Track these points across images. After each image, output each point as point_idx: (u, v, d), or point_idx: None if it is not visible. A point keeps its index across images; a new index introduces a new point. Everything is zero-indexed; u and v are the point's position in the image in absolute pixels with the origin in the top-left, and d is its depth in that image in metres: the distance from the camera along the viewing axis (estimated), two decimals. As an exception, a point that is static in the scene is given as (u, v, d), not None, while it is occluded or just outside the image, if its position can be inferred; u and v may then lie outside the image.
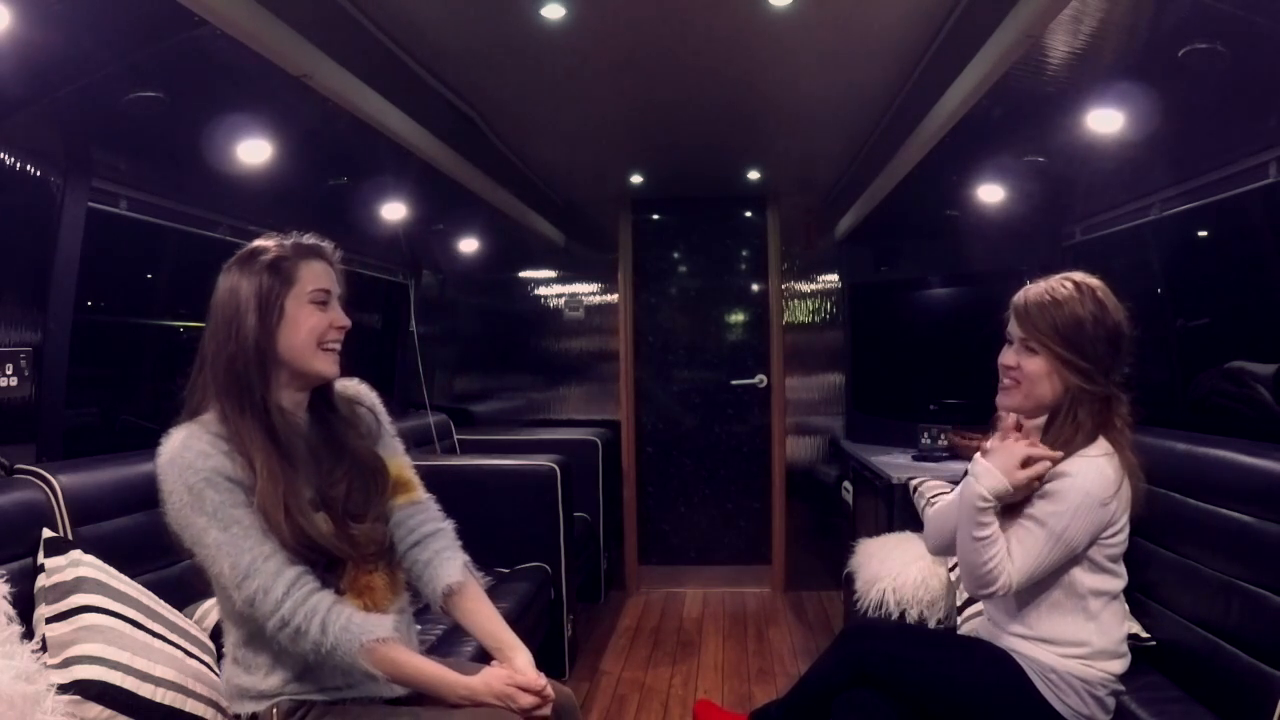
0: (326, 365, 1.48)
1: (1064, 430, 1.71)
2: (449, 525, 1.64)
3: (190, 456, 1.35)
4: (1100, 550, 1.68)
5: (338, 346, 1.50)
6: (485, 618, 1.58)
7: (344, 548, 1.43)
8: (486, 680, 1.45)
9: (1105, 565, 1.70)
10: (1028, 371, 1.74)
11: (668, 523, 4.56)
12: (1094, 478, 1.65)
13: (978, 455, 1.76)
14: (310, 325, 1.45)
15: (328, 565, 1.41)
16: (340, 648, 1.34)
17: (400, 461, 1.64)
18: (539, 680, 1.48)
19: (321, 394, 1.55)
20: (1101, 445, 1.69)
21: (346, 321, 1.50)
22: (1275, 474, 1.66)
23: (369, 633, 1.36)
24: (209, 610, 1.82)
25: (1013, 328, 1.78)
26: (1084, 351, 1.69)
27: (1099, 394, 1.70)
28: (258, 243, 1.49)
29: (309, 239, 1.51)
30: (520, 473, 3.20)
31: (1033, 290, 1.76)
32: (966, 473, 1.75)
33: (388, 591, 1.50)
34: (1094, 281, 1.75)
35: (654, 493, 4.56)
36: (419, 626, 1.72)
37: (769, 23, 2.22)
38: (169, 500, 1.37)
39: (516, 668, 1.50)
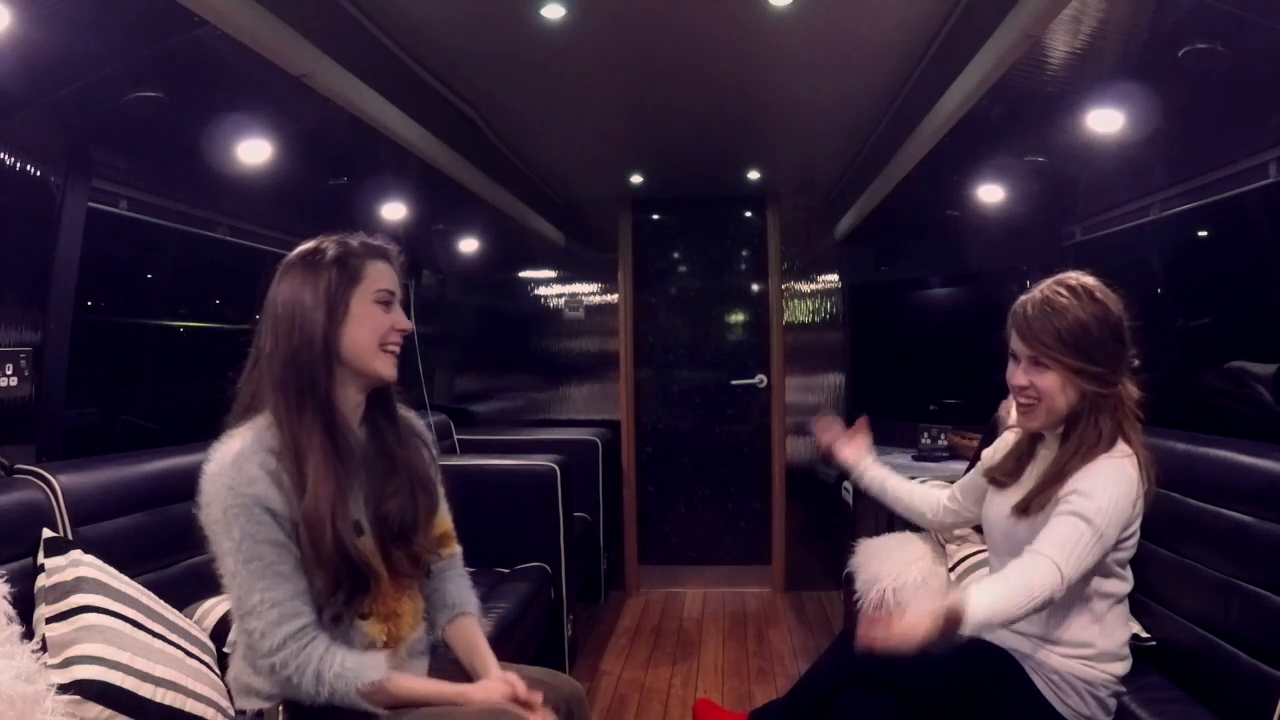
0: (386, 366, 1.47)
1: (1087, 437, 1.67)
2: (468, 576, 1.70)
3: (235, 479, 1.33)
4: (1113, 553, 1.67)
5: (397, 349, 1.49)
6: (479, 642, 1.59)
7: (380, 569, 1.42)
8: (485, 688, 1.48)
9: (1114, 569, 1.69)
10: (1042, 389, 1.69)
11: (668, 523, 4.56)
12: (1123, 480, 1.63)
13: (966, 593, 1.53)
14: (373, 325, 1.44)
15: (358, 584, 1.40)
16: (337, 694, 1.35)
17: (446, 513, 1.65)
18: (533, 697, 1.48)
19: (379, 399, 1.53)
20: (1121, 448, 1.67)
21: (408, 324, 1.49)
22: (1275, 474, 1.65)
23: (363, 677, 1.36)
24: (209, 610, 1.82)
25: (1017, 344, 1.73)
26: (1094, 357, 1.66)
27: (1116, 395, 1.68)
28: (319, 241, 1.47)
29: (376, 240, 1.51)
30: (520, 473, 3.20)
31: (1030, 302, 1.71)
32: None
33: (411, 618, 1.50)
34: (1088, 280, 1.71)
35: (654, 493, 4.56)
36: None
37: (769, 23, 2.22)
38: (204, 507, 1.37)
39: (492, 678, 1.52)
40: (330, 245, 1.46)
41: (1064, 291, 1.69)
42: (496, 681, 1.49)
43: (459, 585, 1.64)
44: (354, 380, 1.47)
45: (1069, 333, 1.65)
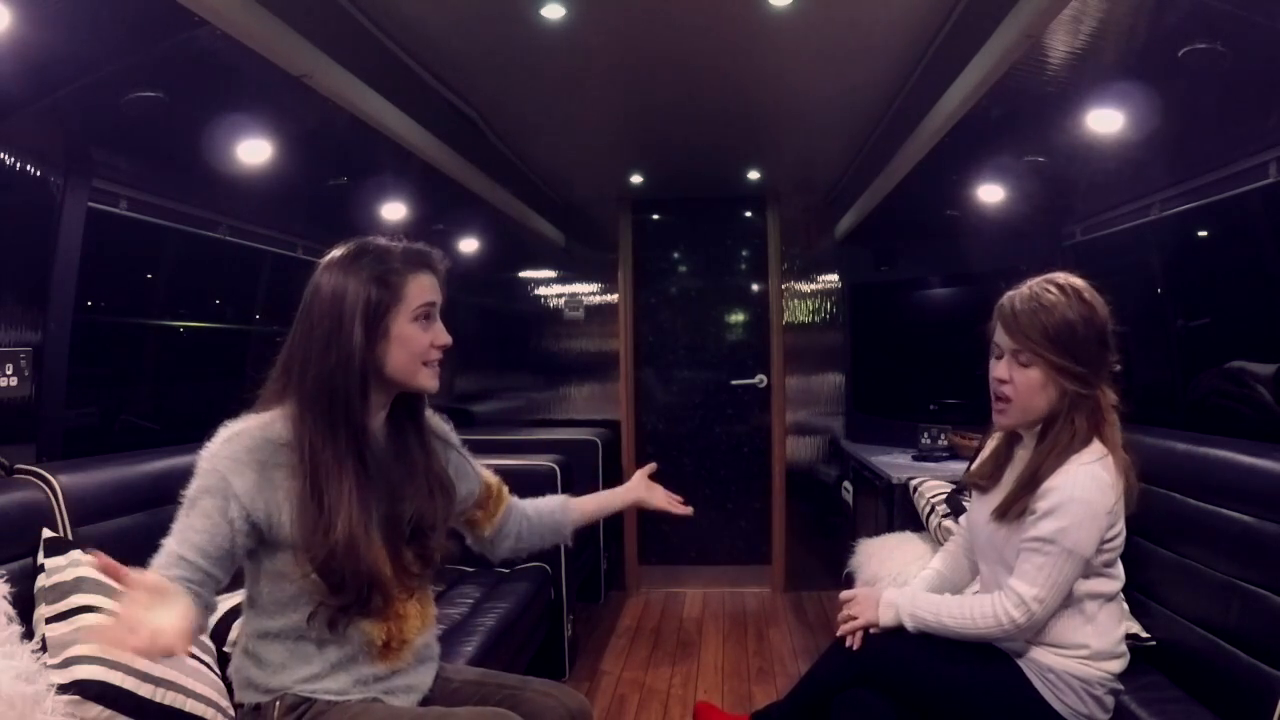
0: (429, 380, 1.43)
1: (1061, 437, 1.68)
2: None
3: (222, 450, 1.31)
4: (1097, 556, 1.67)
5: (438, 363, 1.45)
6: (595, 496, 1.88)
7: (386, 577, 1.39)
8: None
9: (1100, 570, 1.69)
10: (1021, 384, 1.69)
11: (668, 523, 4.52)
12: (1092, 487, 1.63)
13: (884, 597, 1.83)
14: (412, 347, 1.40)
15: (361, 599, 1.36)
16: None
17: (487, 473, 1.71)
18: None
19: (407, 401, 1.49)
20: (1095, 449, 1.67)
21: (447, 339, 1.44)
22: (1275, 474, 1.66)
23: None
24: (209, 610, 1.82)
25: (1001, 338, 1.73)
26: (1078, 356, 1.66)
27: (1093, 396, 1.69)
28: (359, 245, 1.41)
29: (420, 246, 1.45)
30: (520, 473, 3.15)
31: (1018, 298, 1.71)
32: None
33: (418, 621, 1.48)
34: (1077, 281, 1.71)
35: (654, 493, 4.55)
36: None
37: (769, 23, 2.22)
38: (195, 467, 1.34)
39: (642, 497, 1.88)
40: (369, 258, 1.38)
41: (1053, 289, 1.69)
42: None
43: (537, 499, 1.78)
44: (388, 390, 1.44)
45: (1055, 330, 1.66)
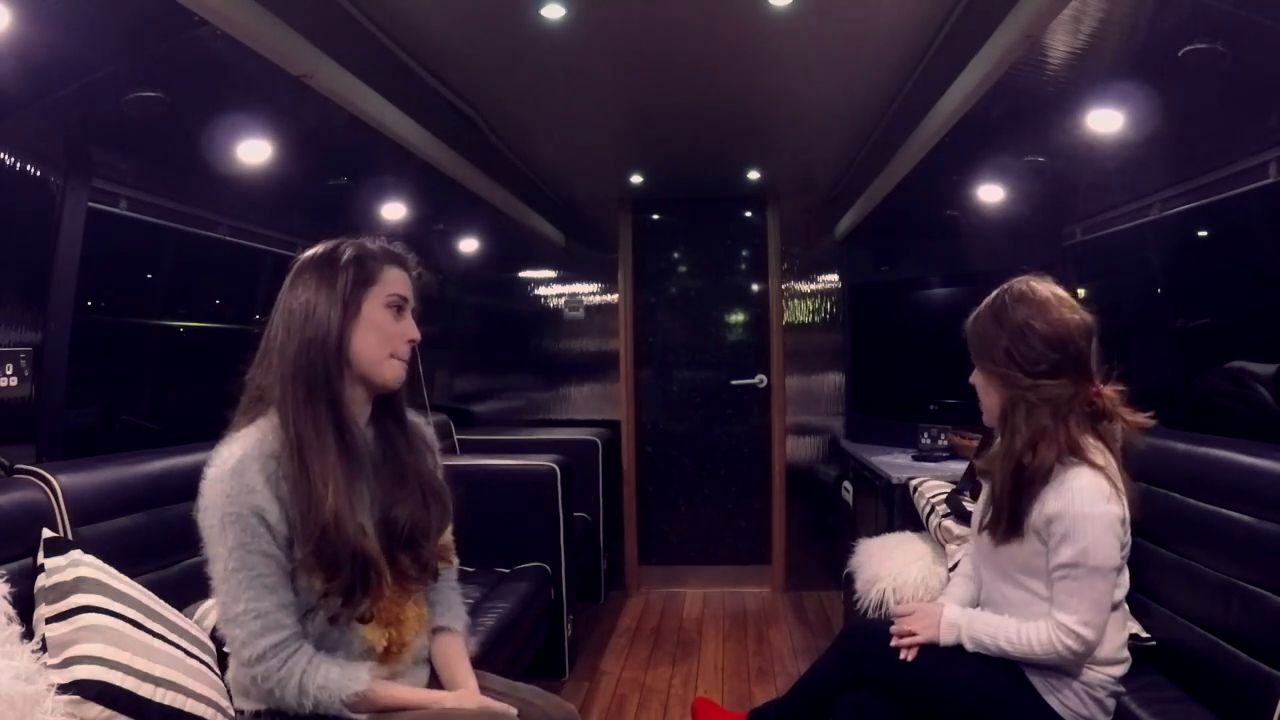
0: (393, 374, 1.48)
1: (1005, 438, 1.76)
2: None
3: (234, 487, 1.33)
4: None
5: (406, 357, 1.50)
6: (459, 659, 1.57)
7: (383, 568, 1.41)
8: (459, 696, 1.48)
9: None
10: (977, 387, 1.85)
11: (668, 523, 4.56)
12: (1096, 497, 1.64)
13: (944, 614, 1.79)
14: (382, 332, 1.45)
15: (357, 582, 1.38)
16: (321, 706, 1.35)
17: (448, 530, 1.63)
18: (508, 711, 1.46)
19: (387, 405, 1.53)
20: (1085, 469, 1.66)
21: (417, 335, 1.50)
22: (1275, 474, 1.66)
23: (346, 689, 1.36)
24: (209, 610, 1.82)
25: None
26: (994, 358, 1.77)
27: (1027, 397, 1.71)
28: (339, 242, 1.48)
29: (396, 246, 1.52)
30: (520, 473, 3.20)
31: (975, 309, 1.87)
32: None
33: (415, 625, 1.50)
34: (1022, 288, 1.78)
35: (654, 493, 4.56)
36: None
37: (769, 23, 2.22)
38: (202, 510, 1.36)
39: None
40: (348, 246, 1.47)
41: (987, 300, 1.83)
42: (472, 692, 1.49)
43: (450, 599, 1.62)
44: (362, 384, 1.47)
45: (975, 336, 1.83)
